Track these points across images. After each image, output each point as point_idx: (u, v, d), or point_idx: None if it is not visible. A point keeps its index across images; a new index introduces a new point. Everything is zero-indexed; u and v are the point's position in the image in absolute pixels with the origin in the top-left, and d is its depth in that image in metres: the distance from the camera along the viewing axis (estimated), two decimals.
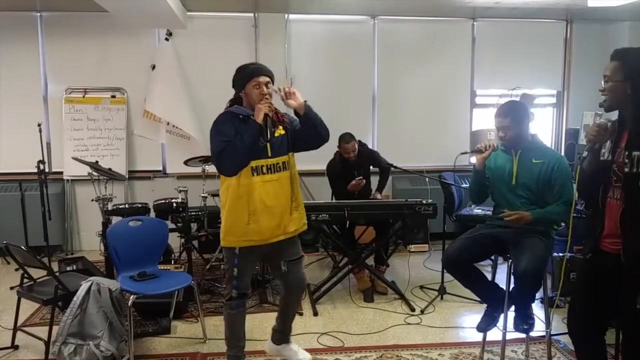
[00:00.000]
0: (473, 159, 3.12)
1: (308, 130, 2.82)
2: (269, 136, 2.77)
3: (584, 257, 2.34)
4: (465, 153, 3.38)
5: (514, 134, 2.93)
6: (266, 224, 2.78)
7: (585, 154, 2.20)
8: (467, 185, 3.25)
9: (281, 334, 3.16)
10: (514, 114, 2.93)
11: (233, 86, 2.87)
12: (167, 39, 5.56)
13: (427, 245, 5.78)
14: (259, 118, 2.70)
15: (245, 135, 2.67)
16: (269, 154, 2.78)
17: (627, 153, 2.08)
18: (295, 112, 2.83)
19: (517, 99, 5.78)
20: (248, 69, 2.81)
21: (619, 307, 2.21)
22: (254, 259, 2.96)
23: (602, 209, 2.20)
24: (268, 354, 3.24)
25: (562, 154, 5.77)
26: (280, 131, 2.85)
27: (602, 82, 2.17)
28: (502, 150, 3.05)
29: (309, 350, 3.33)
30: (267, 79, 2.80)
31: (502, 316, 2.99)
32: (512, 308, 2.96)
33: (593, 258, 2.26)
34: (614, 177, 2.16)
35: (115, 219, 4.14)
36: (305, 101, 2.79)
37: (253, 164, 2.73)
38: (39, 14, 5.61)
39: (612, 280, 2.17)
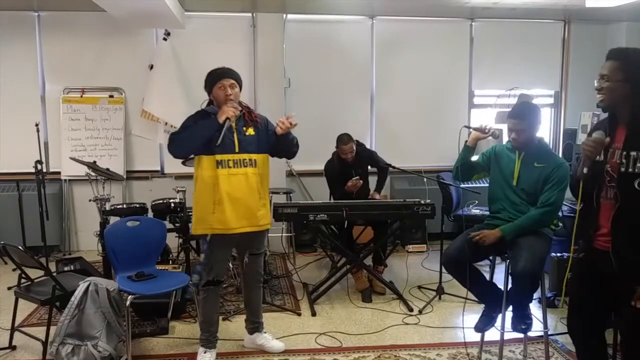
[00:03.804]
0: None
1: (282, 145, 3.13)
2: (219, 140, 2.91)
3: (577, 256, 2.34)
4: (469, 127, 3.28)
5: (527, 138, 2.90)
6: (230, 215, 2.97)
7: (585, 170, 2.16)
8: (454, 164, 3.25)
9: (252, 323, 3.37)
10: (530, 117, 2.90)
11: (204, 88, 3.11)
12: (165, 39, 5.55)
13: (425, 245, 5.78)
14: (221, 119, 2.92)
15: (200, 126, 2.94)
16: (236, 150, 3.00)
17: (624, 153, 2.09)
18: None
19: (516, 99, 5.79)
20: (215, 73, 3.06)
21: (615, 304, 2.22)
22: (224, 248, 3.15)
23: (596, 209, 2.20)
24: (246, 347, 3.37)
25: (560, 154, 5.79)
26: (250, 131, 3.07)
27: (597, 81, 2.15)
28: (507, 148, 3.05)
29: (307, 351, 3.34)
30: (232, 81, 3.02)
31: (500, 316, 3.00)
32: (510, 308, 2.96)
33: (587, 257, 2.27)
34: (607, 178, 2.15)
35: (113, 219, 4.13)
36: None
37: (218, 157, 2.95)
38: (36, 13, 5.60)
39: (606, 278, 2.18)
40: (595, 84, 2.16)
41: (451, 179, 4.74)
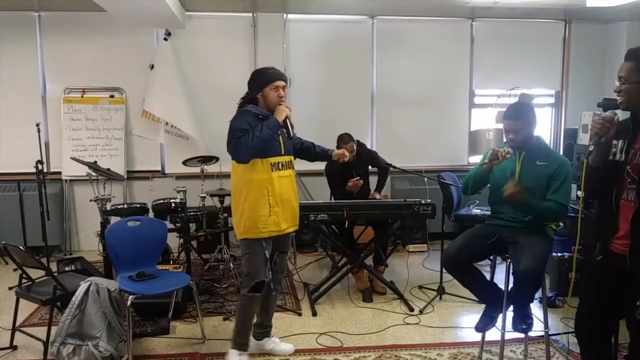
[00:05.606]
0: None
1: (311, 157, 3.46)
2: (291, 134, 3.05)
3: (593, 259, 2.29)
4: (484, 164, 3.05)
5: (524, 136, 2.91)
6: (283, 216, 3.05)
7: (591, 148, 2.13)
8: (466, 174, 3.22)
9: (263, 328, 3.33)
10: (525, 116, 2.92)
11: (250, 87, 3.08)
12: (165, 39, 5.55)
13: (425, 245, 5.78)
14: (281, 118, 2.97)
15: (264, 127, 2.90)
16: (282, 152, 3.06)
17: None
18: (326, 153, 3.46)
19: (516, 98, 5.79)
20: (268, 72, 3.04)
21: (626, 308, 2.20)
22: (269, 249, 3.13)
23: (615, 211, 2.16)
24: (252, 352, 3.30)
25: (561, 153, 5.79)
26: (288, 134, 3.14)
27: (617, 83, 2.11)
28: None
29: (308, 351, 3.34)
30: (284, 84, 3.06)
31: (500, 316, 3.00)
32: (511, 308, 2.96)
33: (603, 260, 2.23)
34: (628, 179, 2.12)
35: (113, 219, 4.13)
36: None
37: (272, 160, 2.99)
38: (37, 13, 5.60)
39: (621, 282, 2.16)
40: (615, 86, 2.12)
41: (459, 189, 4.73)
